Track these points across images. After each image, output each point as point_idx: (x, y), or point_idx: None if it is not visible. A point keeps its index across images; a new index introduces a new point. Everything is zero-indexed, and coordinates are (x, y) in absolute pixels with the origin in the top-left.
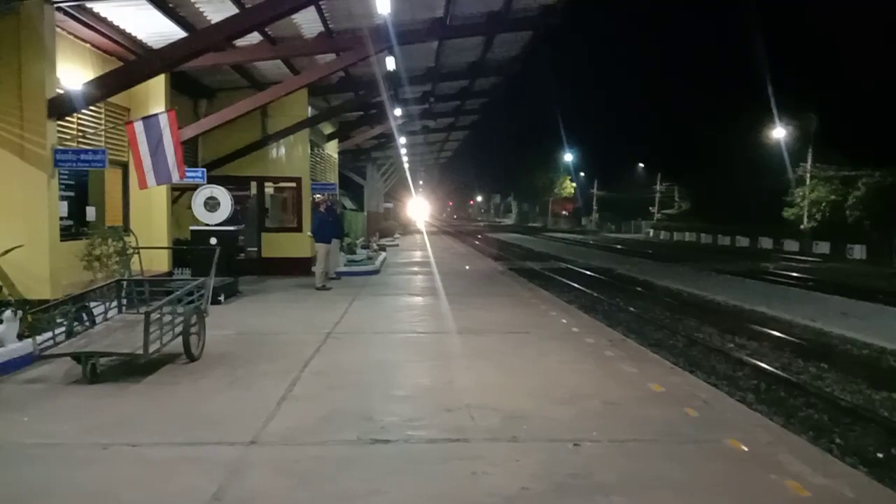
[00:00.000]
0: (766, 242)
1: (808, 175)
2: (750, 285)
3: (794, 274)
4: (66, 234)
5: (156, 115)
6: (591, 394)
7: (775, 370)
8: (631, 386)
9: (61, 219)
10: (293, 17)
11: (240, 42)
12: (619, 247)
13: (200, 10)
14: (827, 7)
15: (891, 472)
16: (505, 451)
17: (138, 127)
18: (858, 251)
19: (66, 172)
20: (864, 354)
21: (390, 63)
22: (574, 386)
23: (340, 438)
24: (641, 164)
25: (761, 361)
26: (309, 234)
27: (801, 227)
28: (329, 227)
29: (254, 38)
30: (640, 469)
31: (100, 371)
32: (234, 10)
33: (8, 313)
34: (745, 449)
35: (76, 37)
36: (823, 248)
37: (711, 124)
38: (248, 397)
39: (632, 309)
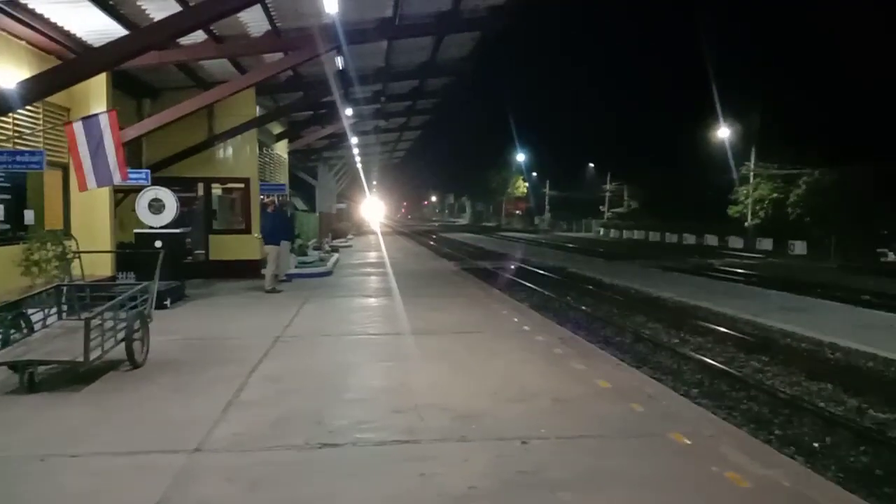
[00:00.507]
0: (712, 240)
1: (752, 174)
2: (695, 282)
3: (738, 270)
4: (3, 238)
5: (96, 115)
6: (540, 391)
7: (718, 364)
8: (579, 383)
9: None
10: (239, 15)
11: (184, 40)
12: (570, 245)
13: (142, 7)
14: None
15: (825, 461)
16: (454, 452)
17: (78, 128)
18: (800, 247)
19: (2, 174)
20: (802, 347)
21: (339, 62)
22: (523, 384)
23: (288, 443)
24: (592, 164)
25: (705, 356)
26: (257, 235)
27: (745, 224)
28: (278, 228)
29: (199, 36)
30: (585, 464)
31: (38, 380)
32: (177, 8)
33: None
34: (688, 442)
35: (10, 34)
36: (766, 244)
37: (658, 125)
38: (194, 404)
39: (582, 307)
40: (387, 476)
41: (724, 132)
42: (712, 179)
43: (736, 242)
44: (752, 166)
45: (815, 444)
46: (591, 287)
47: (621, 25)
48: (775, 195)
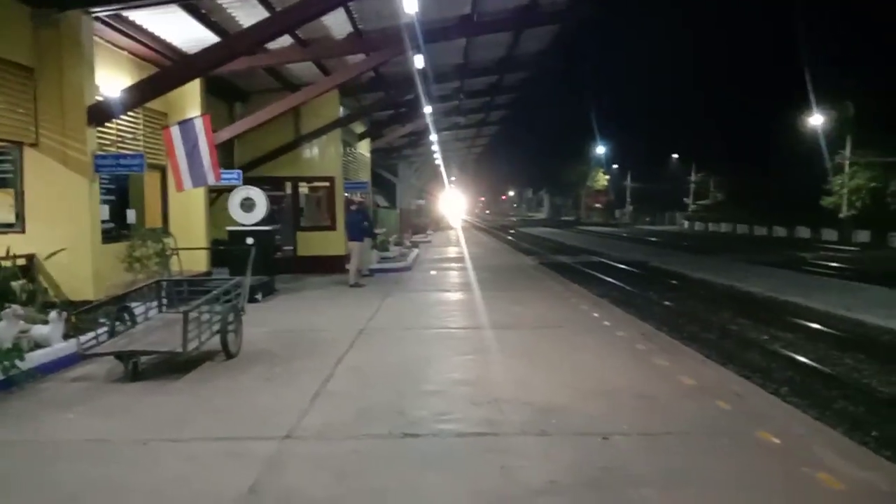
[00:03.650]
0: (804, 232)
1: (848, 162)
2: (784, 276)
3: (832, 263)
4: (108, 236)
5: (191, 119)
6: (622, 387)
7: (809, 362)
8: (662, 379)
9: (103, 222)
10: (322, 18)
11: (271, 45)
12: (652, 239)
13: (233, 15)
14: None
15: None
16: (534, 445)
17: (174, 131)
18: None
19: (107, 177)
20: None
21: (419, 61)
22: (604, 380)
23: (373, 433)
24: (675, 155)
25: (796, 353)
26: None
27: (841, 215)
28: (360, 225)
29: (285, 40)
30: (670, 462)
31: (141, 369)
32: (264, 14)
33: (53, 314)
34: (778, 441)
35: (114, 45)
36: (863, 236)
37: (747, 113)
38: (284, 393)
39: (665, 302)
40: (468, 468)
41: (817, 119)
42: (804, 169)
43: (829, 235)
44: (847, 154)
45: None
46: (674, 282)
47: (705, 9)
48: (874, 184)
